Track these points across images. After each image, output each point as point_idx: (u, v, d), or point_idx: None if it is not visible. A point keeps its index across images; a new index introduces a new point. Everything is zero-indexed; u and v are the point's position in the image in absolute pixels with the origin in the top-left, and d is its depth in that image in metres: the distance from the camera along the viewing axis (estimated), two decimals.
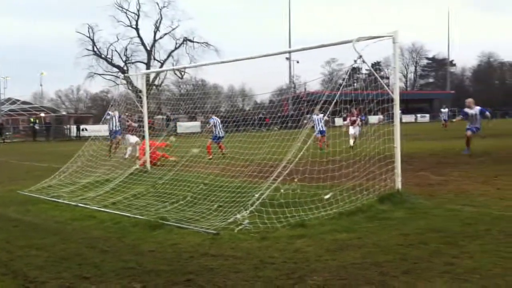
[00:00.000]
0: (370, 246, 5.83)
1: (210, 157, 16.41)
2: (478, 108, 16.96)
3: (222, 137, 17.93)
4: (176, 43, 68.63)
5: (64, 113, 63.80)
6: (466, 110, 17.31)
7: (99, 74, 67.77)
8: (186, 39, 67.95)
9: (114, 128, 17.88)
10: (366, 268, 5.02)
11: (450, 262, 5.09)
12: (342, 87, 9.05)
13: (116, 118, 17.87)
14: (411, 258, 5.29)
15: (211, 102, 18.93)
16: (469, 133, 16.54)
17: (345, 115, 20.67)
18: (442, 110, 45.82)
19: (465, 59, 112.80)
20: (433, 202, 8.31)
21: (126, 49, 68.11)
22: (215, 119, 17.83)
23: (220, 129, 17.86)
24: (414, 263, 5.14)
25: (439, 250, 5.56)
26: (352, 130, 19.56)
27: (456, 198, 8.64)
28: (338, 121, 23.17)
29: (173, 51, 68.81)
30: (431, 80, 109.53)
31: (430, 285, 4.48)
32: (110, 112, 17.67)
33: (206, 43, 67.81)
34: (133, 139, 16.65)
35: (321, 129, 17.58)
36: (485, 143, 18.34)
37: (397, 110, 8.67)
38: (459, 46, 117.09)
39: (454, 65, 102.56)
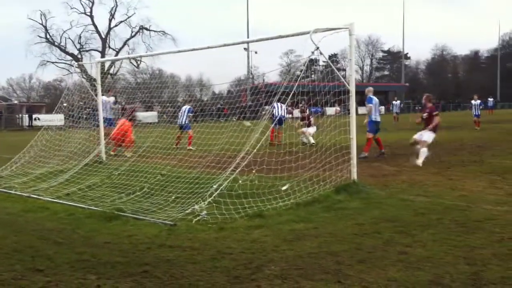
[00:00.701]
0: (326, 235, 5.92)
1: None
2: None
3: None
4: (132, 32, 67.31)
5: (15, 102, 61.56)
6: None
7: (52, 62, 65.80)
8: (142, 28, 66.74)
9: (107, 115, 16.88)
10: (322, 258, 5.10)
11: (403, 251, 5.23)
12: (299, 78, 9.12)
13: (111, 104, 16.97)
14: (366, 247, 5.41)
15: (168, 91, 18.66)
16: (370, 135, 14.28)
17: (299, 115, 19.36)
18: (394, 102, 45.89)
19: (419, 52, 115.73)
20: (387, 192, 8.52)
21: (80, 37, 66.31)
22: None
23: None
24: (368, 252, 5.25)
25: (393, 239, 5.70)
26: (311, 130, 18.83)
27: (410, 188, 8.88)
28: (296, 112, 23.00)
29: (128, 39, 67.49)
30: (386, 72, 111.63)
31: (384, 273, 4.59)
32: (105, 97, 16.72)
33: (163, 31, 66.86)
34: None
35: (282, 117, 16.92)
36: (437, 135, 18.84)
37: (353, 102, 8.81)
38: (414, 39, 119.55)
39: (409, 58, 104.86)
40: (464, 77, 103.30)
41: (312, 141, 16.65)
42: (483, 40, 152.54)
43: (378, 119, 14.24)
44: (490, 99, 55.73)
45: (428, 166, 11.64)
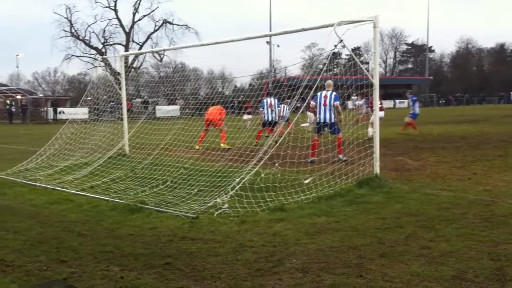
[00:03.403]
0: (347, 229, 5.90)
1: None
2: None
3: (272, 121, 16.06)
4: (155, 25, 67.47)
5: (41, 95, 62.33)
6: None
7: (77, 56, 66.38)
8: (165, 21, 66.86)
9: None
10: (343, 252, 5.08)
11: (426, 246, 5.18)
12: (322, 71, 9.07)
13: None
14: (388, 242, 5.37)
15: (191, 85, 18.74)
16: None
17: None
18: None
19: (444, 45, 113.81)
20: (410, 186, 8.44)
21: (104, 31, 66.74)
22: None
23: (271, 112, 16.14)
24: (390, 246, 5.22)
25: (416, 233, 5.65)
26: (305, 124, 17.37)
27: (433, 183, 8.77)
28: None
29: (152, 33, 67.69)
30: (410, 65, 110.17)
31: (406, 268, 4.55)
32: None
33: (186, 25, 66.89)
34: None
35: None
36: (462, 128, 18.58)
37: (376, 95, 8.73)
38: (439, 32, 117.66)
39: (433, 51, 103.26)
40: (489, 70, 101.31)
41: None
42: (510, 33, 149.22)
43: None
44: None
45: (452, 160, 11.48)
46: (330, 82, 11.77)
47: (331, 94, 11.48)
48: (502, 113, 38.22)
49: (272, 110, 16.14)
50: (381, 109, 17.40)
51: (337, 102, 11.56)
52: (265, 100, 16.17)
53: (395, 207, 6.94)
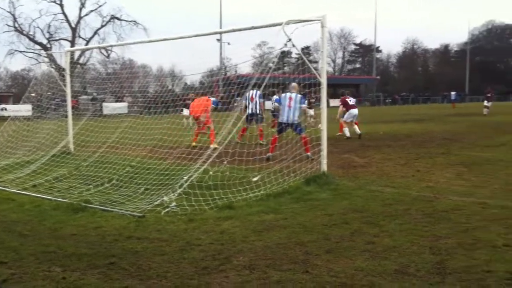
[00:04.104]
0: (295, 226, 5.95)
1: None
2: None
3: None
4: (103, 21, 66.05)
5: None
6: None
7: (20, 52, 64.12)
8: (113, 17, 65.56)
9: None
10: (290, 248, 5.12)
11: (370, 241, 5.30)
12: (271, 70, 9.11)
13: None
14: (334, 238, 5.46)
15: (139, 82, 18.42)
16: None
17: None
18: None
19: (390, 46, 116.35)
20: (356, 183, 8.60)
21: (49, 26, 64.75)
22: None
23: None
24: (336, 242, 5.30)
25: (361, 229, 5.77)
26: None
27: (378, 180, 8.99)
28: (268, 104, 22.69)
29: (99, 29, 66.18)
30: (358, 65, 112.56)
31: (351, 263, 4.64)
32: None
33: (134, 21, 65.78)
34: None
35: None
36: (407, 127, 19.12)
37: (324, 94, 8.85)
38: (386, 33, 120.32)
39: (380, 51, 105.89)
40: (434, 70, 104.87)
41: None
42: (453, 35, 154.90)
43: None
44: (453, 93, 56.86)
45: (397, 158, 11.80)
46: (295, 84, 11.71)
47: (296, 96, 11.59)
48: (445, 112, 39.68)
49: (253, 103, 15.03)
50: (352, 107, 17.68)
51: (304, 105, 11.93)
52: (247, 94, 15.23)
53: (342, 203, 7.06)
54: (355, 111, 17.82)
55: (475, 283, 4.11)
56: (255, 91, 14.43)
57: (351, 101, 18.05)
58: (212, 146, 13.33)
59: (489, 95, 31.25)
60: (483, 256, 4.74)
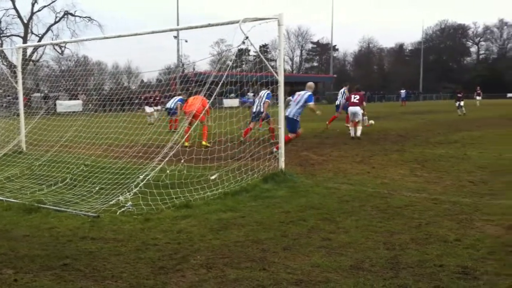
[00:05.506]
0: (252, 224, 5.96)
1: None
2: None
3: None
4: (56, 17, 64.43)
5: None
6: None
7: None
8: (67, 13, 64.03)
9: None
10: (248, 246, 5.12)
11: (327, 237, 5.36)
12: (229, 68, 9.07)
13: None
14: (291, 235, 5.49)
15: (94, 79, 18.04)
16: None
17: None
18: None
19: (347, 45, 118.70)
20: (314, 180, 8.69)
21: (0, 22, 62.75)
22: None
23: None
24: (294, 239, 5.34)
25: (318, 226, 5.83)
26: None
27: (335, 177, 9.11)
28: (226, 102, 22.55)
29: (52, 25, 64.48)
30: (315, 64, 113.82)
31: (308, 259, 4.68)
32: None
33: (89, 17, 64.48)
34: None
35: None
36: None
37: (281, 92, 8.89)
38: (342, 31, 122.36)
39: (337, 50, 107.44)
40: (389, 69, 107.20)
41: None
42: (408, 34, 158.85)
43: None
44: (402, 91, 58.09)
45: (353, 155, 11.99)
46: (311, 83, 13.00)
47: (264, 93, 13.94)
48: (400, 110, 40.59)
49: (259, 102, 14.81)
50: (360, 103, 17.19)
51: (267, 100, 13.97)
52: (260, 93, 14.94)
53: (299, 201, 7.12)
54: (352, 109, 16.94)
55: (427, 277, 4.21)
56: (265, 91, 14.17)
57: (355, 98, 17.17)
58: (204, 143, 13.45)
59: (459, 95, 31.63)
60: (435, 251, 4.87)
